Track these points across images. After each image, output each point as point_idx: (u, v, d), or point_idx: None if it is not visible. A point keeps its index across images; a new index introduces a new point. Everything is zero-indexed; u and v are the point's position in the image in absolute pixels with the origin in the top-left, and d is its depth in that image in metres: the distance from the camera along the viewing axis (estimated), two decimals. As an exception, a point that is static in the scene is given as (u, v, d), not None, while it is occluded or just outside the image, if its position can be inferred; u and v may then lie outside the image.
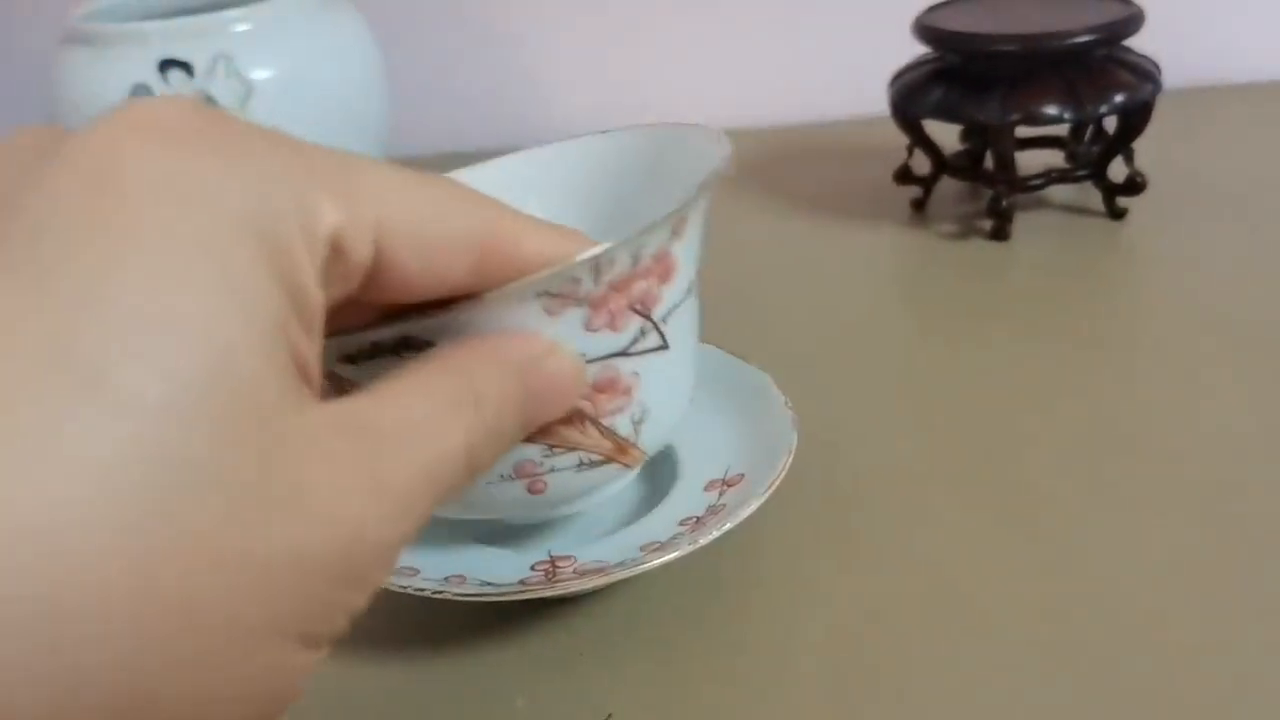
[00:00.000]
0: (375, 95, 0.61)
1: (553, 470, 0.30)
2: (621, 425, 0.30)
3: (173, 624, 0.15)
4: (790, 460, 0.33)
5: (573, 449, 0.29)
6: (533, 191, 0.37)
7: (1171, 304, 0.48)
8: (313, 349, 0.19)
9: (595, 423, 0.29)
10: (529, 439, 0.28)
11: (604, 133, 0.37)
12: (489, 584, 0.31)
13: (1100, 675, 0.29)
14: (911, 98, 0.55)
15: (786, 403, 0.36)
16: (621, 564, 0.31)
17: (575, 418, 0.29)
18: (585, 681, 0.31)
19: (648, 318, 0.29)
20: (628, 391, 0.29)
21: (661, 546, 0.31)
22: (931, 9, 0.57)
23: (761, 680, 0.30)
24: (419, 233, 0.21)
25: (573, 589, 0.31)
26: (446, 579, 0.32)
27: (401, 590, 0.31)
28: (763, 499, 0.32)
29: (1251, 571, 0.32)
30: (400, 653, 0.33)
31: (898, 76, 0.57)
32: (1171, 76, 0.55)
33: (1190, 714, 0.28)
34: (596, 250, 0.26)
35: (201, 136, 0.18)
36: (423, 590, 0.30)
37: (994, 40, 0.52)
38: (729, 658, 0.31)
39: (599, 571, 0.31)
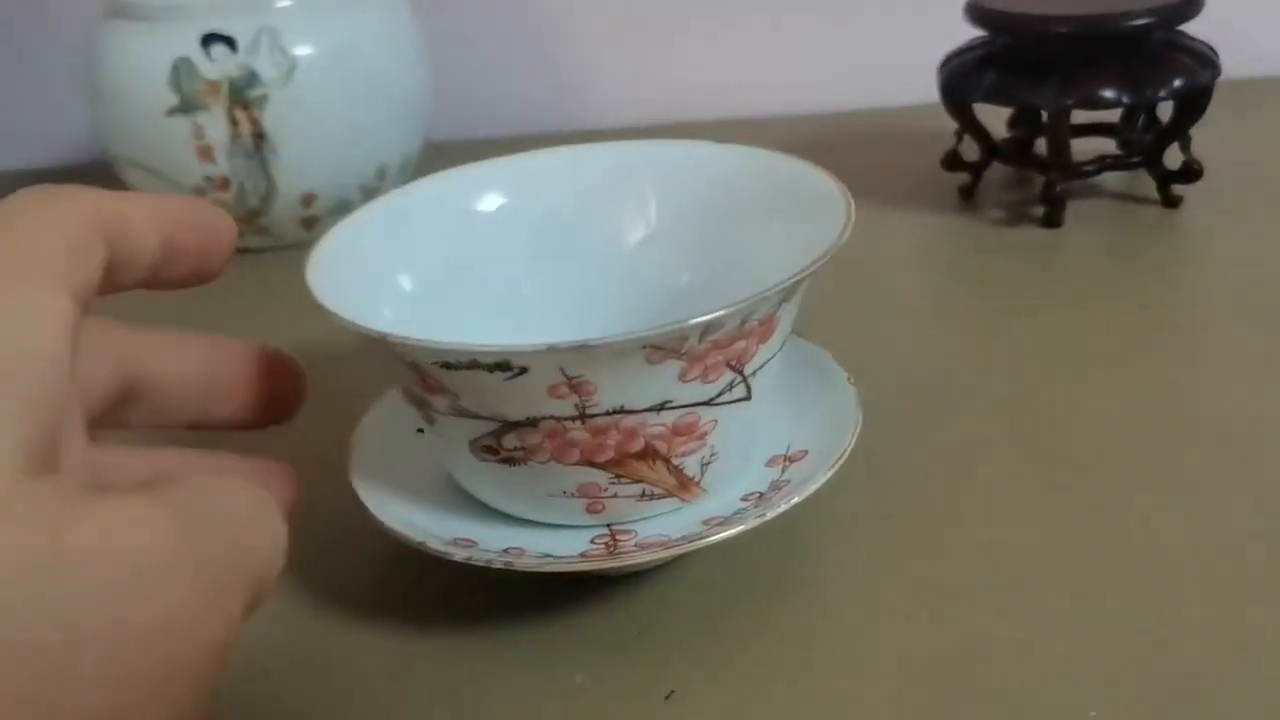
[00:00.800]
0: (417, 75, 0.60)
1: (615, 496, 0.30)
2: (690, 465, 0.30)
3: None
4: (856, 437, 0.32)
5: (638, 481, 0.30)
6: (648, 178, 0.37)
7: (1227, 292, 0.47)
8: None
9: (666, 461, 0.30)
10: (599, 465, 0.29)
11: (732, 145, 0.36)
12: (549, 556, 0.30)
13: (1165, 659, 0.29)
14: (962, 81, 0.54)
15: (850, 379, 0.35)
16: (684, 538, 0.30)
17: (649, 455, 0.29)
18: (646, 659, 0.30)
19: (739, 372, 0.29)
20: (703, 436, 0.30)
21: (725, 521, 0.31)
22: (983, -8, 0.56)
23: (824, 662, 0.30)
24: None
25: (635, 561, 0.30)
26: (506, 550, 0.31)
27: (465, 562, 0.30)
28: (828, 475, 0.31)
29: None
30: (459, 627, 0.32)
31: (947, 60, 0.56)
32: (1229, 67, 0.54)
33: (1251, 694, 0.27)
34: (713, 315, 0.26)
35: None
36: (488, 562, 0.30)
37: (1050, 22, 0.51)
38: (793, 639, 0.30)
39: (660, 545, 0.30)
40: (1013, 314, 0.47)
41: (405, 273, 0.35)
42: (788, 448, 0.33)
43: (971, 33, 0.56)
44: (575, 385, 0.27)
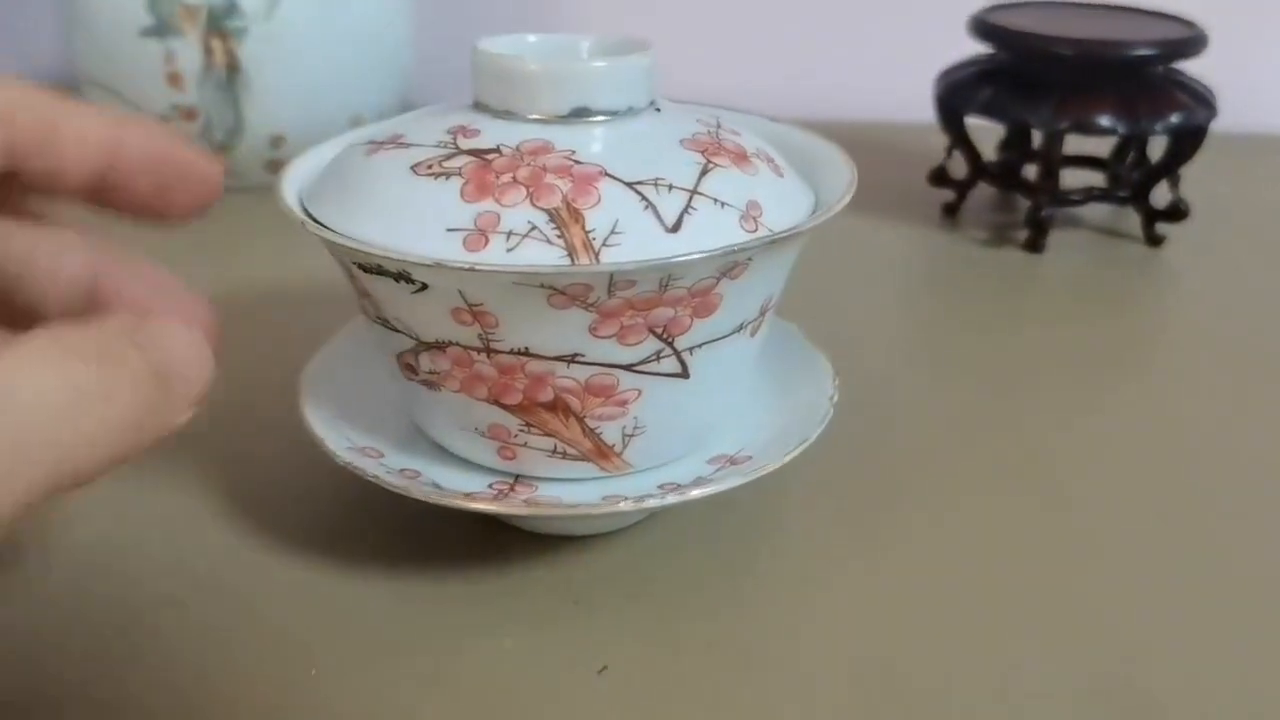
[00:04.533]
0: (401, 29, 0.59)
1: (526, 445, 0.29)
2: (608, 432, 0.29)
3: None
4: (797, 453, 0.30)
5: (549, 434, 0.28)
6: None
7: (1201, 333, 0.46)
8: None
9: (579, 419, 0.28)
10: (508, 408, 0.28)
11: (742, 111, 0.34)
12: (438, 487, 0.29)
13: (1109, 666, 0.28)
14: (959, 94, 0.53)
15: (832, 397, 0.32)
16: (574, 505, 0.28)
17: (560, 408, 0.28)
18: (579, 632, 0.29)
19: (669, 344, 0.27)
20: (623, 403, 0.28)
21: (613, 500, 0.29)
22: (990, 9, 0.55)
23: (762, 646, 0.28)
24: None
25: (515, 513, 0.29)
26: (401, 471, 0.30)
27: (356, 471, 0.29)
28: (732, 485, 0.29)
29: (1268, 581, 0.31)
30: (395, 571, 0.31)
31: (946, 73, 0.55)
32: (1226, 118, 0.53)
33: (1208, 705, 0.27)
34: (613, 266, 0.25)
35: None
36: (374, 476, 0.29)
37: (1054, 42, 0.50)
38: (734, 621, 0.29)
39: (550, 505, 0.28)
40: (987, 333, 0.46)
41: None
42: (738, 450, 0.31)
43: (976, 45, 0.55)
44: (476, 313, 0.26)
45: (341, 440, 0.30)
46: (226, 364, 0.41)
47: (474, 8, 0.73)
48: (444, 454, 0.31)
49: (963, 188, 0.56)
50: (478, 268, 0.24)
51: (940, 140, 0.56)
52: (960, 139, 0.55)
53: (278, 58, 0.53)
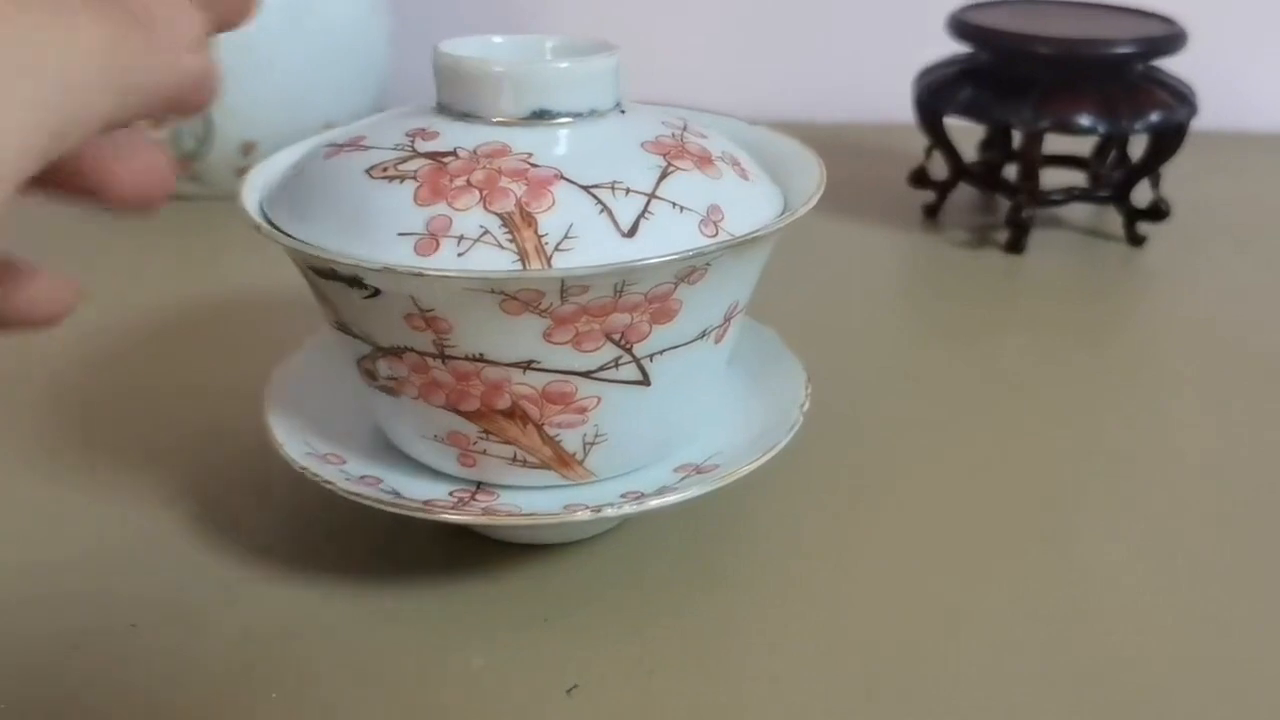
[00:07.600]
0: (375, 35, 0.58)
1: (485, 453, 0.28)
2: (569, 439, 0.28)
3: None
4: (761, 463, 0.29)
5: (508, 442, 0.28)
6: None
7: (1181, 333, 0.46)
8: None
9: (538, 427, 0.27)
10: (465, 415, 0.28)
11: (713, 113, 0.34)
12: (397, 495, 0.28)
13: (1093, 680, 0.27)
14: (938, 94, 0.52)
15: (803, 405, 0.32)
16: (531, 514, 0.28)
17: (518, 415, 0.27)
18: (549, 649, 0.28)
19: (627, 350, 0.27)
20: (582, 411, 0.27)
21: (571, 509, 0.28)
22: (968, 7, 0.55)
23: (736, 663, 0.28)
24: None
25: (471, 521, 0.28)
26: (362, 478, 0.29)
27: (311, 477, 0.29)
28: (693, 494, 0.28)
29: (1246, 581, 0.31)
30: (365, 587, 0.30)
31: (925, 73, 0.55)
32: (1205, 117, 0.53)
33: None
34: (564, 271, 0.24)
35: None
36: (328, 481, 0.28)
37: (1033, 41, 0.49)
38: (704, 637, 0.29)
39: (506, 513, 0.28)
40: (968, 334, 0.45)
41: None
42: (707, 458, 0.31)
43: (954, 45, 0.54)
44: (429, 319, 0.25)
45: (301, 446, 0.30)
46: (195, 372, 0.41)
47: (455, 13, 0.73)
48: (409, 461, 0.30)
49: (943, 188, 0.56)
50: (426, 273, 0.24)
51: (920, 141, 0.56)
52: (940, 139, 0.54)
53: (248, 64, 0.52)
